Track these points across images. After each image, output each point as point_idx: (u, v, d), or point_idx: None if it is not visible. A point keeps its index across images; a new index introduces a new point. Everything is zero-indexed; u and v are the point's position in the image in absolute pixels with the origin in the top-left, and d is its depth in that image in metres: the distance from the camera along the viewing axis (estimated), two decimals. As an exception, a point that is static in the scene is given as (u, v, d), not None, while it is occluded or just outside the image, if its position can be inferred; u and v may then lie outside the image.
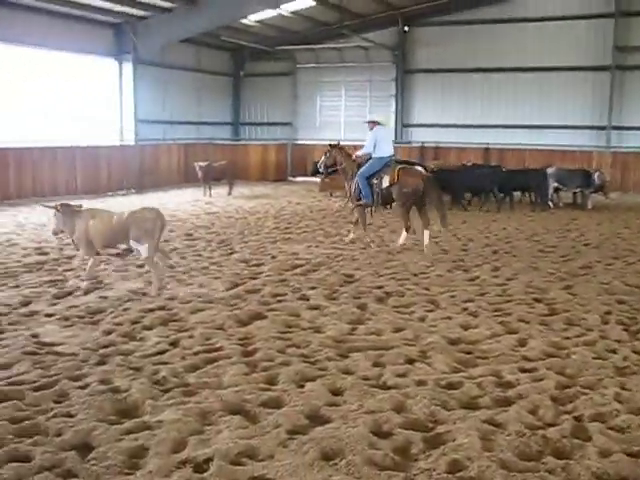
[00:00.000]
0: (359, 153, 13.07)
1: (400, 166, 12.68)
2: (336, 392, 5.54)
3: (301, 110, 32.08)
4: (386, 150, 12.62)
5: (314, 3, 25.38)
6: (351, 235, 13.18)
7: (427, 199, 12.35)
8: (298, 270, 10.31)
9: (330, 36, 29.66)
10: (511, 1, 27.56)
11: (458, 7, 27.83)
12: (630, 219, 17.44)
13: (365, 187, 12.52)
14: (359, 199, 12.75)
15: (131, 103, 24.42)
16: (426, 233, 12.14)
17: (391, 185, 12.32)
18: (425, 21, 29.08)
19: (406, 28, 29.29)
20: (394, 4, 27.92)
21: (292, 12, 26.58)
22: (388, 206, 13.01)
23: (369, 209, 12.99)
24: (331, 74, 31.15)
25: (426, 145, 27.37)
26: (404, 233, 12.56)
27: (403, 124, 29.77)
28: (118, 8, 22.42)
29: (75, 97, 22.91)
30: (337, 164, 13.44)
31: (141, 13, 23.37)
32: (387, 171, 12.42)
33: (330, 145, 13.82)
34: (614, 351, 6.64)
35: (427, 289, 9.20)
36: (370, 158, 12.66)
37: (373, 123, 12.87)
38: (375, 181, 12.50)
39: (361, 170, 12.64)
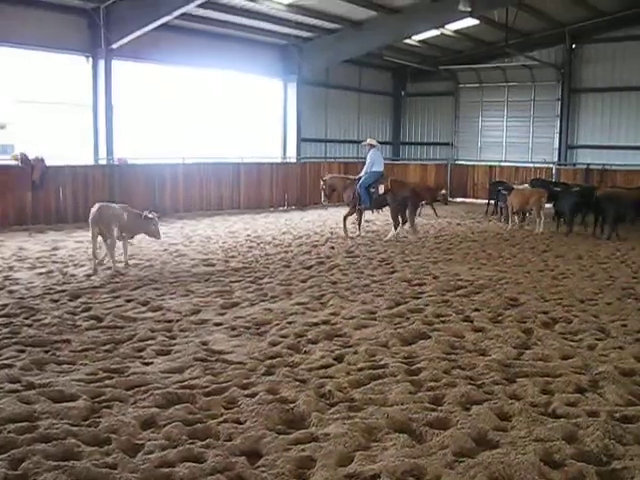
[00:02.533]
0: (362, 172, 16.56)
1: (392, 178, 17.03)
2: (503, 417, 5.41)
3: (462, 130, 31.80)
4: (379, 167, 16.44)
5: (478, 22, 25.12)
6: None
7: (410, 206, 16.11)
8: (461, 291, 10.19)
9: (493, 55, 29.28)
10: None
11: (629, 22, 26.64)
12: None
13: (365, 195, 16.05)
14: (359, 204, 16.31)
15: (294, 122, 25.14)
16: (407, 225, 16.30)
17: (385, 193, 15.88)
18: (593, 38, 28.04)
19: (573, 45, 28.38)
20: (561, 21, 27.11)
21: (455, 31, 26.45)
22: (381, 209, 16.87)
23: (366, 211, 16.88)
24: (493, 94, 30.69)
25: (592, 167, 26.26)
26: (393, 230, 15.97)
27: (568, 145, 28.79)
28: (285, 30, 23.20)
29: (244, 116, 23.91)
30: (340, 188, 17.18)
31: (307, 34, 24.07)
32: (382, 182, 16.05)
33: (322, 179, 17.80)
34: None
35: (596, 316, 8.83)
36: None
37: (371, 146, 16.66)
38: (372, 190, 16.00)
39: (361, 181, 16.25)
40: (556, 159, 28.24)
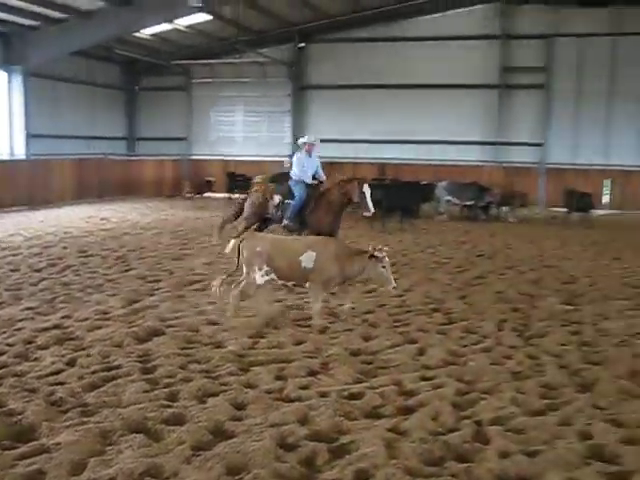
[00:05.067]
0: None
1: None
2: (239, 406, 5.48)
3: (196, 125, 31.86)
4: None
5: (210, 18, 25.26)
6: None
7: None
8: (196, 286, 10.17)
9: (226, 51, 29.63)
10: (405, 20, 28.32)
11: (353, 25, 28.40)
12: (520, 230, 18.13)
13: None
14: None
15: (21, 116, 23.60)
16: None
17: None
18: (321, 38, 29.48)
19: (302, 44, 29.60)
20: (290, 20, 28.16)
21: (187, 27, 26.39)
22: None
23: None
24: (226, 89, 31.09)
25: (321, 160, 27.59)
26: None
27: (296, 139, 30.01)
28: (4, 16, 21.70)
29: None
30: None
31: (31, 23, 22.68)
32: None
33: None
34: (509, 357, 6.87)
35: (325, 301, 9.24)
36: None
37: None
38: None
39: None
40: (289, 152, 29.25)
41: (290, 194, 11.97)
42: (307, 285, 8.04)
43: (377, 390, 5.84)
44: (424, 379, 6.18)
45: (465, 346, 7.25)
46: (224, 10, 25.35)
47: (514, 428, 5.15)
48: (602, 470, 4.52)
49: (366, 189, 11.53)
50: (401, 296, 9.66)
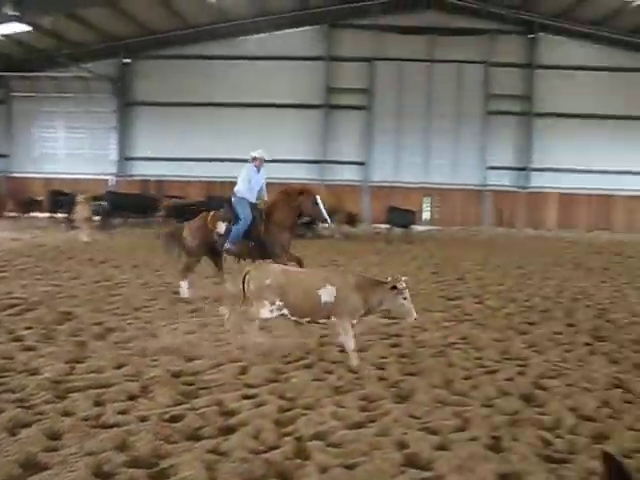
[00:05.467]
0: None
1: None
2: (54, 436, 5.24)
3: (18, 141, 30.43)
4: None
5: (29, 28, 24.23)
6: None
7: None
8: (12, 310, 9.67)
9: (49, 64, 28.59)
10: (233, 39, 28.59)
11: (181, 42, 28.22)
12: (345, 247, 18.65)
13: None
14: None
15: None
16: None
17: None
18: (147, 54, 29.08)
19: (127, 60, 29.04)
20: (114, 34, 27.60)
21: (3, 36, 25.17)
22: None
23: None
24: (49, 104, 29.99)
25: (151, 179, 27.18)
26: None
27: (125, 157, 29.34)
28: None
29: None
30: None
31: None
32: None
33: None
34: (331, 372, 7.01)
35: (149, 322, 9.08)
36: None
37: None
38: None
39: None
40: (115, 170, 28.59)
41: (233, 216, 11.06)
42: (328, 320, 7.44)
43: (198, 411, 5.77)
44: (246, 397, 6.16)
45: (288, 363, 7.32)
46: (44, 20, 24.42)
47: (334, 442, 5.23)
48: (415, 477, 4.69)
49: (319, 200, 11.07)
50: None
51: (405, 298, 7.20)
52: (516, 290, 12.88)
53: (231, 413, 5.79)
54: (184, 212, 18.96)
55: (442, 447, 5.23)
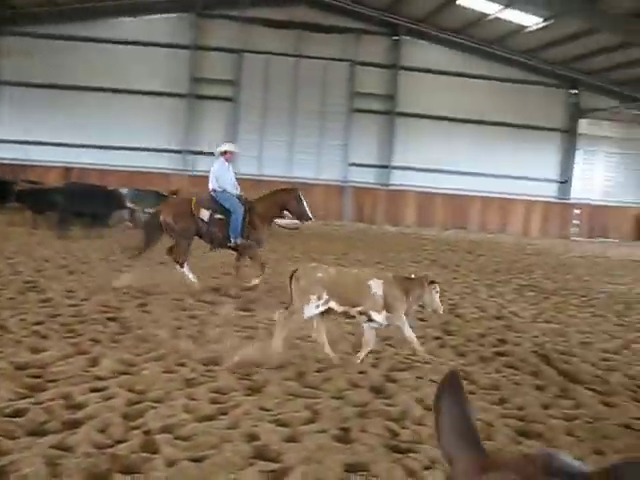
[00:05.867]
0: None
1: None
2: None
3: None
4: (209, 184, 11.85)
5: None
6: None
7: None
8: None
9: None
10: (97, 20, 27.62)
11: (47, 20, 27.06)
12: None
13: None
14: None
15: None
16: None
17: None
18: (11, 30, 27.62)
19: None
20: None
21: None
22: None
23: None
24: None
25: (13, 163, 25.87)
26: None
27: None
28: None
29: None
30: None
31: None
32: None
33: None
34: (183, 364, 6.94)
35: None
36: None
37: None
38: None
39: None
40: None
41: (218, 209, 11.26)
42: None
43: (43, 405, 5.57)
44: (94, 390, 5.99)
45: (139, 355, 7.19)
46: None
47: (183, 435, 5.19)
48: (264, 468, 4.72)
49: (302, 197, 11.62)
50: (78, 305, 9.36)
51: (437, 292, 7.69)
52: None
53: (78, 406, 5.62)
54: (38, 198, 18.14)
55: (292, 439, 5.29)
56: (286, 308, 7.68)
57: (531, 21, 26.25)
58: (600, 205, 32.78)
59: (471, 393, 6.72)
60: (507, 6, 25.34)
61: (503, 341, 9.28)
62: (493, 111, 31.23)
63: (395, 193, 30.26)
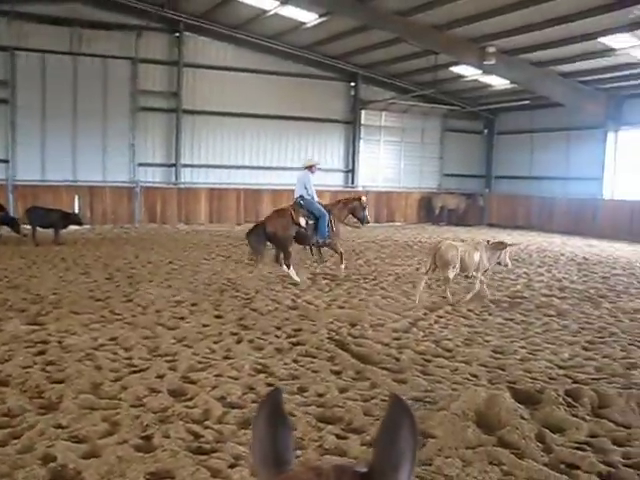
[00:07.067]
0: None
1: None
2: None
3: None
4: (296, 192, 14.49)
5: None
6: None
7: None
8: None
9: None
10: None
11: None
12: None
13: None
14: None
15: None
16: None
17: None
18: None
19: None
20: None
21: None
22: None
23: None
24: None
25: None
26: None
27: None
28: None
29: None
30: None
31: None
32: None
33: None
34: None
35: None
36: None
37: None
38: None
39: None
40: None
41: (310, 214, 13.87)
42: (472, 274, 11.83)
43: None
44: None
45: None
46: None
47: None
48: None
49: (365, 204, 14.97)
50: None
51: (507, 252, 12.01)
52: (165, 286, 12.99)
53: None
54: None
55: (91, 455, 5.14)
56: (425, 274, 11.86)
57: (308, 17, 26.94)
58: (385, 191, 34.39)
59: (270, 385, 6.86)
60: (283, 3, 25.79)
61: (299, 330, 9.52)
62: (279, 105, 31.77)
63: (186, 191, 29.97)
